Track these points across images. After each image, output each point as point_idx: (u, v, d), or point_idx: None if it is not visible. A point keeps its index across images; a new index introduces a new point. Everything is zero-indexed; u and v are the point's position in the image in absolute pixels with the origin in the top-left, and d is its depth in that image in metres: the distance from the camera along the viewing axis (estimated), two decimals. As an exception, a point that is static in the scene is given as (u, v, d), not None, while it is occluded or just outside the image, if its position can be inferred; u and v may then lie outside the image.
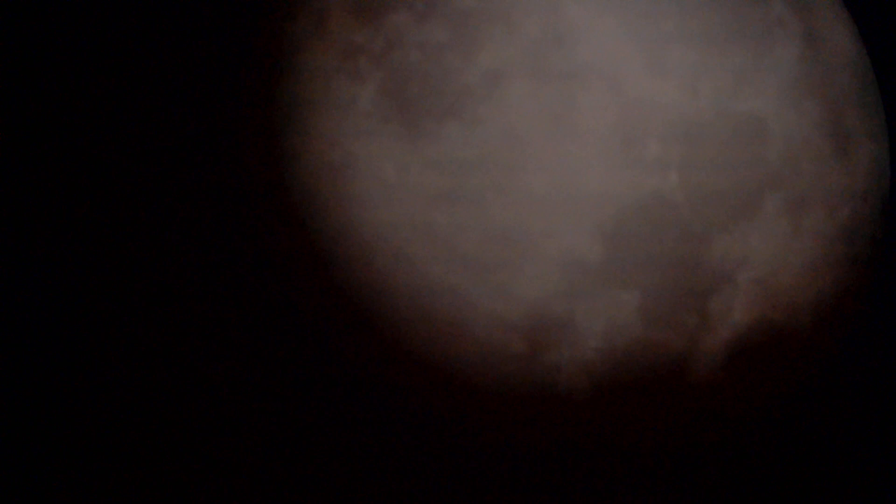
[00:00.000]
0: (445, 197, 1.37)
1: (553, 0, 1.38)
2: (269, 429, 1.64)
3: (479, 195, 1.36)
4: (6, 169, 1.68)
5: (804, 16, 1.45)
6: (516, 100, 1.36)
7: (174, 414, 1.67)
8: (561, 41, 1.37)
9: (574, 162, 1.36)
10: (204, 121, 1.54)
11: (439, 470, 1.54)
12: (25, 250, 1.68)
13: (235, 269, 1.53)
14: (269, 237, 1.49)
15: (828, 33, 1.47)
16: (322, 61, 1.42)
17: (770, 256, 1.41)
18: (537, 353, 1.39)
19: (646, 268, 1.37)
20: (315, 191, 1.41)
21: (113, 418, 1.69)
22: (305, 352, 1.55)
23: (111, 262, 1.66)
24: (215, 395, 1.65)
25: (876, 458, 1.63)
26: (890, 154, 1.55)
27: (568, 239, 1.36)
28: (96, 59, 1.65)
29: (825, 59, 1.45)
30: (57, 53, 1.67)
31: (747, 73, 1.40)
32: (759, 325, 1.42)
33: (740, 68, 1.39)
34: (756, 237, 1.40)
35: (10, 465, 1.66)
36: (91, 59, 1.65)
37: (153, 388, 1.67)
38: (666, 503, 1.56)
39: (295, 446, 1.63)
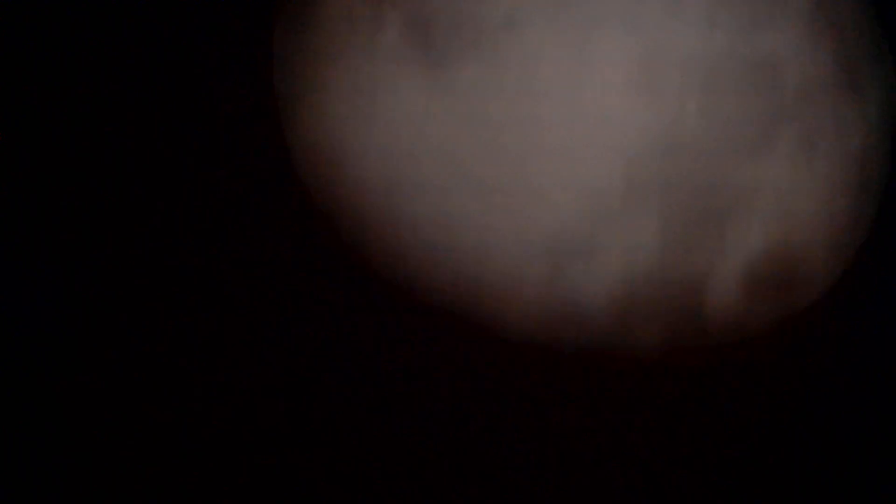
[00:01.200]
0: (468, 126, 1.40)
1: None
2: (287, 355, 1.67)
3: (502, 125, 1.39)
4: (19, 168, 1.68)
5: (818, -51, 1.48)
6: (538, 32, 1.39)
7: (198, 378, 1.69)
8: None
9: (594, 93, 1.39)
10: (238, 57, 1.57)
11: (462, 386, 1.58)
12: (28, 248, 1.69)
13: (265, 194, 1.56)
14: (294, 165, 1.52)
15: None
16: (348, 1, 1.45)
17: (785, 183, 1.44)
18: (559, 276, 1.43)
19: (665, 194, 1.41)
20: (341, 121, 1.45)
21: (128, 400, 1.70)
22: (329, 279, 1.58)
23: (134, 227, 1.67)
24: (239, 328, 1.68)
25: (882, 380, 1.67)
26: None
27: (589, 167, 1.40)
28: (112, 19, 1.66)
29: (838, -8, 1.49)
30: (65, 34, 1.68)
31: (763, 8, 1.43)
32: (775, 247, 1.45)
33: (756, 4, 1.42)
34: (771, 165, 1.43)
35: (10, 465, 1.69)
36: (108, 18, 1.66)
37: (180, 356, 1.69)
38: (681, 423, 1.60)
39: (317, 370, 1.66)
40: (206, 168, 1.65)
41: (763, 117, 1.43)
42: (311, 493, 1.63)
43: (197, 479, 1.66)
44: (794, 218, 1.46)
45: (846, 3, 1.50)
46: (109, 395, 1.67)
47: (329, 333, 1.63)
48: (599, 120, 1.39)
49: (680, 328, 1.47)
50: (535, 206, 1.41)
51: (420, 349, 1.58)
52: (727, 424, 1.64)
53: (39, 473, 1.66)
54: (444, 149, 1.41)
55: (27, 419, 1.67)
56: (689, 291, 1.45)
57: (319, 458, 1.63)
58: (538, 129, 1.39)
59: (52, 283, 1.68)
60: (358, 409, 1.63)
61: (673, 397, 1.59)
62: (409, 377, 1.60)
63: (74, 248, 1.67)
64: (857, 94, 1.48)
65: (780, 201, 1.44)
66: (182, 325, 1.66)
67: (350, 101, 1.45)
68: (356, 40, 1.44)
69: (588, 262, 1.43)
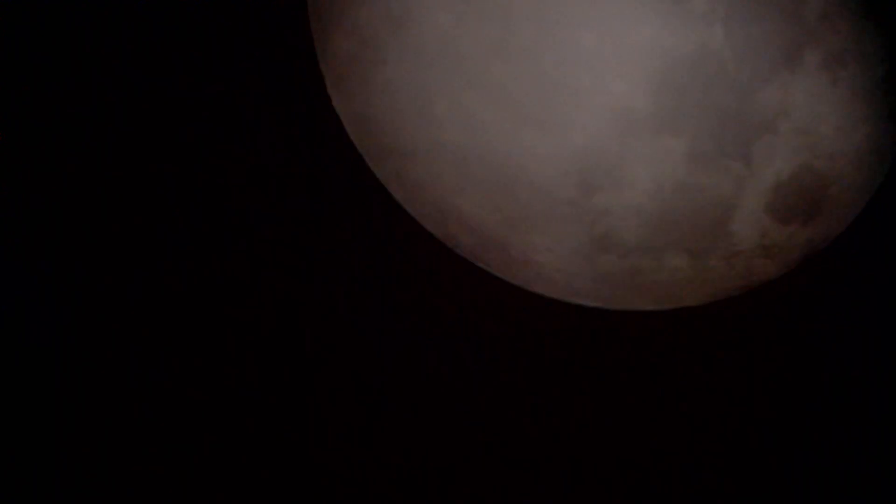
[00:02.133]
0: (499, 48, 1.42)
1: None
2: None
3: (532, 46, 1.42)
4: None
5: None
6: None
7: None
8: None
9: (624, 14, 1.41)
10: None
11: (492, 313, 1.61)
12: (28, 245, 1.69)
13: (295, 117, 1.59)
14: (327, 92, 1.55)
15: None
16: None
17: (810, 107, 1.46)
18: (588, 197, 1.45)
19: (692, 115, 1.43)
20: (375, 39, 1.47)
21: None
22: (359, 199, 1.61)
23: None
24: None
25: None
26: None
27: (618, 88, 1.42)
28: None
29: (863, -84, 1.50)
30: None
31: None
32: (801, 171, 1.47)
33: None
34: (796, 88, 1.45)
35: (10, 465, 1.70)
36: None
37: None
38: (710, 346, 1.62)
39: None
40: (232, 92, 1.66)
41: (787, 39, 1.45)
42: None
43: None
44: (819, 140, 1.48)
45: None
46: (110, 393, 1.69)
47: (354, 254, 1.65)
48: (628, 41, 1.41)
49: (707, 249, 1.49)
50: (566, 125, 1.44)
51: (449, 273, 1.60)
52: (752, 353, 1.65)
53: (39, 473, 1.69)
54: (476, 72, 1.44)
55: (27, 419, 1.70)
56: (716, 212, 1.47)
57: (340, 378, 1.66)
58: (569, 49, 1.42)
59: (52, 283, 1.69)
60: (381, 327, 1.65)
61: (701, 314, 1.61)
62: (433, 296, 1.62)
63: (75, 247, 1.69)
64: (880, 16, 1.50)
65: (805, 124, 1.46)
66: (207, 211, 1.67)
67: (384, 20, 1.47)
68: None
69: (617, 184, 1.45)
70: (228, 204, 1.68)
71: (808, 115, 1.47)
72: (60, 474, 1.69)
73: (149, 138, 1.70)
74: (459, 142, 1.45)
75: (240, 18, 1.67)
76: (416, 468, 1.69)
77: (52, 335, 1.70)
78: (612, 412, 1.66)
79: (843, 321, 1.66)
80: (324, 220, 1.67)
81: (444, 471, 1.68)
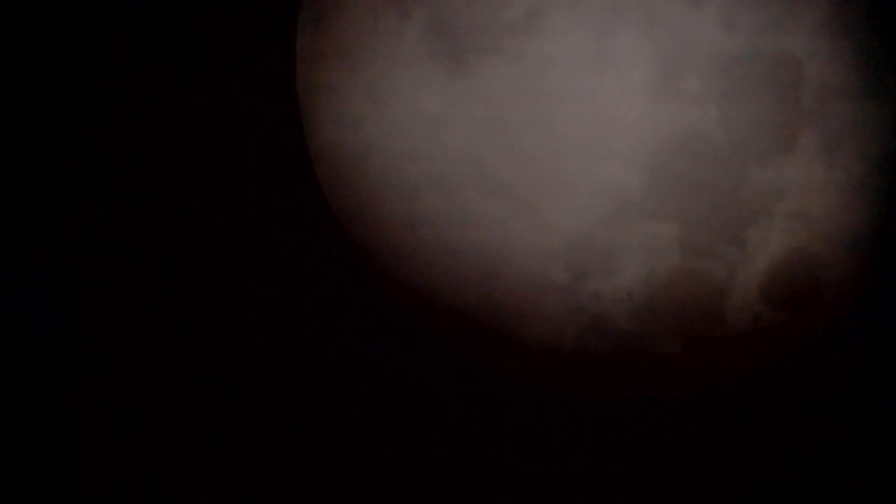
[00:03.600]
0: (489, 129, 1.40)
1: (594, -64, 1.41)
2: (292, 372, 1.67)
3: (522, 127, 1.39)
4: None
5: (839, -46, 1.48)
6: (557, 34, 1.39)
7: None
8: (600, -22, 1.40)
9: (614, 95, 1.38)
10: (258, 55, 1.58)
11: (482, 394, 1.58)
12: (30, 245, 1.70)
13: (283, 196, 1.57)
14: (313, 167, 1.53)
15: (861, -28, 1.50)
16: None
17: (805, 190, 1.43)
18: (578, 282, 1.42)
19: (685, 199, 1.40)
20: (361, 122, 1.45)
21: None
22: (345, 283, 1.58)
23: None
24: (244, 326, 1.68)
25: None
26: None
27: (608, 170, 1.39)
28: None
29: (859, -3, 1.48)
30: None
31: (784, 9, 1.42)
32: (796, 256, 1.44)
33: (777, 5, 1.42)
34: (791, 171, 1.43)
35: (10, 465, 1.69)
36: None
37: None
38: (703, 433, 1.59)
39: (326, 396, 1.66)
40: (222, 170, 1.66)
41: (782, 121, 1.42)
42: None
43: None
44: (814, 224, 1.45)
45: (866, 7, 1.49)
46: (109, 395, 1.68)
47: (343, 339, 1.63)
48: (619, 123, 1.39)
49: (700, 335, 1.46)
50: (555, 209, 1.41)
51: (438, 357, 1.57)
52: (744, 437, 1.62)
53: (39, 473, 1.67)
54: (464, 152, 1.41)
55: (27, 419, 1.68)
56: (710, 298, 1.44)
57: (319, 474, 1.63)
58: (558, 132, 1.39)
59: (52, 283, 1.68)
60: (371, 420, 1.63)
61: (692, 407, 1.58)
62: (425, 386, 1.60)
63: (75, 248, 1.68)
64: (876, 99, 1.47)
65: (800, 207, 1.44)
66: (190, 325, 1.66)
67: (370, 103, 1.45)
68: (377, 43, 1.45)
69: (608, 267, 1.42)
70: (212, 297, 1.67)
71: (803, 199, 1.44)
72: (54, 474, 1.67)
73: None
74: (447, 228, 1.43)
75: (231, 101, 1.66)
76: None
77: (50, 334, 1.69)
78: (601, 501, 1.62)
79: (840, 409, 1.63)
80: (310, 309, 1.65)
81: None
